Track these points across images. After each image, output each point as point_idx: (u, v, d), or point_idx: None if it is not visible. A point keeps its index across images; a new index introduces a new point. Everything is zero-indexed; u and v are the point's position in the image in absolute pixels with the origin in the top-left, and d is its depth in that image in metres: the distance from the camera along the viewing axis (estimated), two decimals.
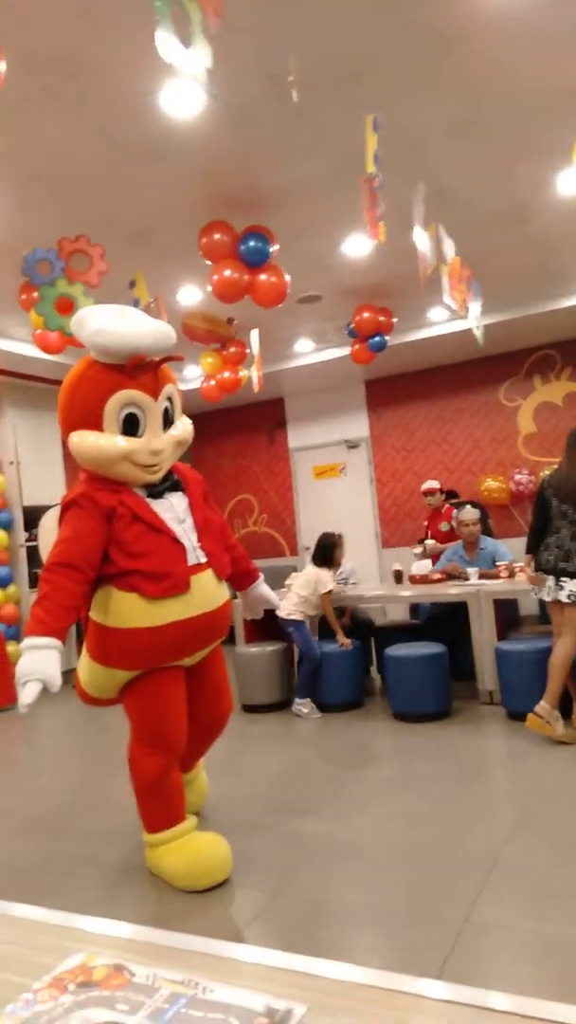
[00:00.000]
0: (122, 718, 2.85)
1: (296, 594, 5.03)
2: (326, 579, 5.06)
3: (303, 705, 4.94)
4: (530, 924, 2.23)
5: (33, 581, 6.92)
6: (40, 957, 0.81)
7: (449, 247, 3.87)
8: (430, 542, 6.25)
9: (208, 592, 2.71)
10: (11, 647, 6.51)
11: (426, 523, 6.67)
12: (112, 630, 2.62)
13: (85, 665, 2.81)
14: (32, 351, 6.31)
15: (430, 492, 6.58)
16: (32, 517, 7.08)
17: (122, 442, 2.60)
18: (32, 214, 4.08)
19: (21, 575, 6.90)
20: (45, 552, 3.20)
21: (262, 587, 3.37)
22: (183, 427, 2.82)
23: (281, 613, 4.99)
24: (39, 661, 2.28)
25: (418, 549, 6.29)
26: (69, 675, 2.62)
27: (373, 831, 3.03)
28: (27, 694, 2.22)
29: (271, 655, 5.14)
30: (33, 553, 6.91)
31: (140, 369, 2.58)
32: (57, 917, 0.90)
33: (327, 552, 5.21)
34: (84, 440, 2.62)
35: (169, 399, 2.73)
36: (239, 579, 3.27)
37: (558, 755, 3.72)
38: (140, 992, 0.71)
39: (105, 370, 2.59)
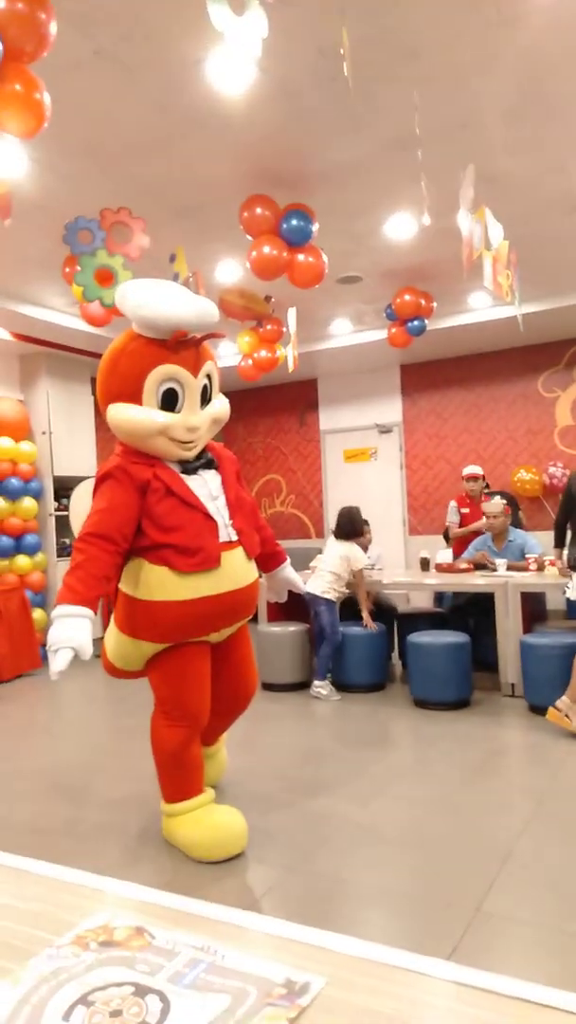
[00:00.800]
0: (145, 688, 2.88)
1: (329, 572, 5.01)
2: (359, 554, 5.03)
3: (322, 687, 4.95)
4: (541, 918, 2.23)
5: (61, 550, 7.01)
6: (63, 915, 0.82)
7: (497, 232, 3.79)
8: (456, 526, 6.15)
9: (237, 569, 2.72)
10: (37, 614, 6.63)
11: (458, 509, 6.36)
12: (141, 602, 2.64)
13: (112, 636, 2.84)
14: (70, 321, 6.35)
15: (472, 478, 6.33)
16: (63, 487, 7.17)
17: (160, 417, 2.61)
18: (76, 183, 4.08)
19: (50, 544, 6.99)
20: (77, 524, 3.25)
21: (288, 570, 3.38)
22: (220, 405, 2.82)
23: (315, 590, 4.97)
24: (71, 629, 2.32)
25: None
26: (96, 644, 2.65)
27: (389, 814, 3.04)
28: (59, 661, 2.26)
29: (293, 635, 5.16)
30: (62, 522, 7.00)
31: (182, 345, 2.59)
32: (80, 877, 0.92)
33: (350, 524, 5.14)
34: (122, 412, 2.62)
35: (208, 376, 2.73)
36: (266, 560, 3.27)
37: None
38: (160, 955, 0.72)
39: (147, 344, 2.59)
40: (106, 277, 4.05)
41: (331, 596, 4.96)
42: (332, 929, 0.78)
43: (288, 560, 3.39)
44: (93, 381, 7.67)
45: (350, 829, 2.92)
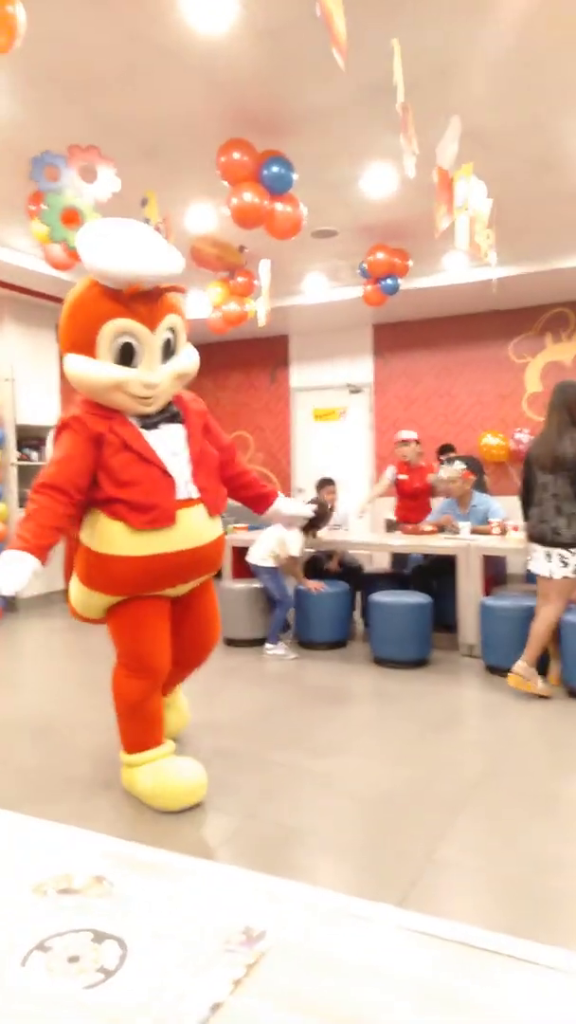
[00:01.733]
0: (109, 641, 2.87)
1: (268, 541, 5.00)
2: (294, 544, 4.91)
3: (275, 649, 4.98)
4: (488, 865, 2.31)
5: (23, 500, 6.89)
6: (21, 863, 0.82)
7: (479, 190, 3.72)
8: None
9: (196, 527, 2.68)
10: None
11: (396, 475, 6.21)
12: (98, 555, 2.63)
13: (74, 584, 2.84)
14: (34, 264, 6.14)
15: (405, 442, 6.11)
16: (25, 436, 7.01)
17: (115, 372, 2.54)
18: (43, 116, 3.89)
19: (11, 493, 6.86)
20: None
21: (283, 505, 3.29)
22: (186, 360, 2.73)
23: (253, 558, 5.00)
24: (11, 573, 2.33)
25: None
26: (62, 594, 2.64)
27: (345, 767, 3.11)
28: None
29: (256, 592, 5.18)
30: (24, 472, 6.87)
31: (138, 298, 2.49)
32: (39, 825, 0.91)
33: (313, 522, 4.93)
34: (78, 365, 2.57)
35: (171, 330, 2.64)
36: (256, 503, 3.23)
37: (532, 709, 3.80)
38: (119, 902, 0.72)
39: (104, 294, 2.50)
40: (72, 218, 3.90)
41: (269, 563, 4.97)
42: (288, 877, 0.79)
43: (280, 495, 3.30)
44: (58, 328, 7.46)
45: (307, 781, 2.97)
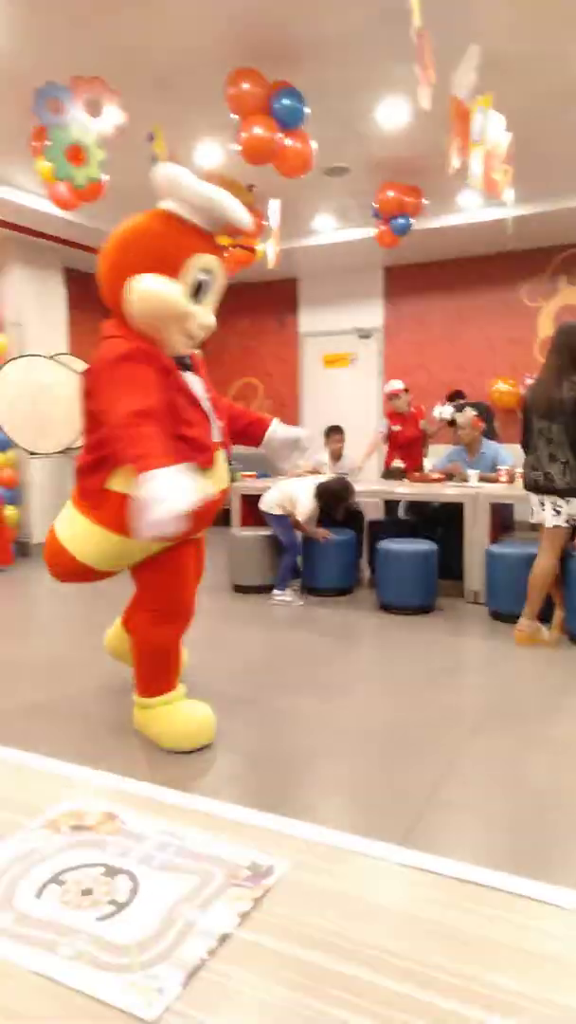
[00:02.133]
0: (118, 586, 2.90)
1: (280, 492, 5.01)
2: (305, 508, 4.88)
3: (283, 595, 5.04)
4: (488, 804, 2.38)
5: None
6: (34, 800, 0.84)
7: (498, 123, 3.57)
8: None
9: (223, 470, 2.76)
10: (8, 511, 6.58)
11: (389, 426, 6.21)
12: None
13: (93, 536, 2.66)
14: (41, 204, 5.98)
15: (394, 395, 6.10)
16: None
17: (189, 303, 2.48)
18: (45, 45, 3.74)
19: None
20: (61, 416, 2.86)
21: (279, 430, 3.13)
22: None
23: (263, 505, 5.02)
24: (181, 488, 2.09)
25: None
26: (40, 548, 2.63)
27: (350, 710, 3.17)
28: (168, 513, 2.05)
29: (264, 540, 5.21)
30: None
31: (226, 240, 2.53)
32: (51, 764, 0.94)
33: (331, 499, 4.90)
34: (157, 285, 2.41)
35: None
36: (252, 430, 3.11)
37: (535, 655, 3.85)
38: (130, 838, 0.74)
39: (191, 228, 2.49)
40: (77, 155, 3.78)
41: (277, 511, 4.98)
42: (292, 816, 0.81)
43: (275, 419, 3.19)
44: (66, 271, 7.33)
45: (312, 723, 3.04)
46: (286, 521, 5.03)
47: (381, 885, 0.70)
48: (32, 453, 2.23)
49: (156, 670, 2.79)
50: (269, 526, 5.19)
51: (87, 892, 0.66)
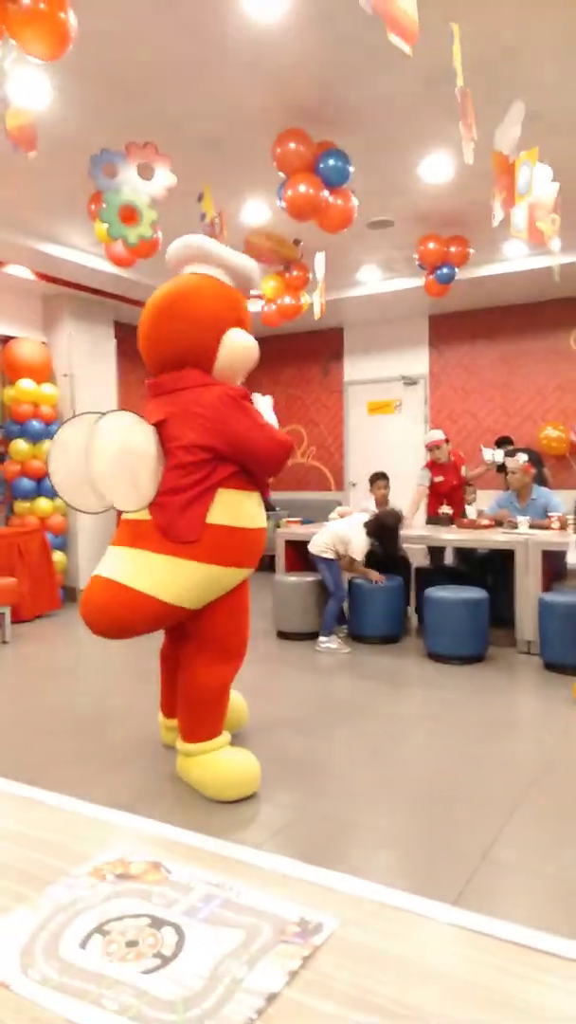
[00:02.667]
0: (159, 635, 2.90)
1: (331, 534, 5.00)
2: (359, 546, 4.91)
3: (329, 642, 4.97)
4: (545, 867, 2.26)
5: None
6: (79, 846, 0.83)
7: (544, 174, 3.61)
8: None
9: None
10: (57, 556, 6.71)
11: (432, 477, 6.11)
12: (241, 531, 2.74)
13: (184, 572, 2.62)
14: (94, 262, 6.25)
15: (436, 445, 6.02)
16: None
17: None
18: (101, 114, 3.95)
19: None
20: (107, 465, 2.71)
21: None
22: None
23: (313, 548, 5.00)
24: None
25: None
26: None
27: (399, 762, 3.09)
28: None
29: (309, 586, 5.19)
30: None
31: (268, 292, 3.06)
32: (96, 811, 0.93)
33: (385, 533, 4.93)
34: (249, 338, 2.83)
35: None
36: None
37: None
38: (176, 889, 0.73)
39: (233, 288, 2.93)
40: (130, 215, 3.95)
41: (328, 555, 4.96)
42: (340, 870, 0.79)
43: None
44: (116, 324, 7.60)
45: (360, 774, 2.96)
46: (335, 565, 5.00)
47: (435, 947, 0.67)
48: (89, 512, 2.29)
49: (205, 714, 2.77)
50: (314, 571, 5.17)
51: (132, 944, 0.64)
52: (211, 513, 2.65)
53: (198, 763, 2.75)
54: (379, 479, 6.03)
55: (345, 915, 0.70)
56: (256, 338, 2.92)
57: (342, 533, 4.97)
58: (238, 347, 2.76)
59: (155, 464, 2.60)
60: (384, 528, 4.93)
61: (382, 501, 6.03)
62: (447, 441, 6.09)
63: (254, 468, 2.77)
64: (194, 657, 2.78)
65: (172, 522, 2.60)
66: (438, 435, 6.08)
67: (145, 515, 2.64)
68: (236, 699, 3.36)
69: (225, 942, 0.64)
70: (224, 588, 2.75)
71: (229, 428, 2.64)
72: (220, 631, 2.77)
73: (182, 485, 2.61)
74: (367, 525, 4.96)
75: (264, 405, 3.02)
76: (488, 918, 0.70)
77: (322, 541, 4.99)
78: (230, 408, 2.67)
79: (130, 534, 2.68)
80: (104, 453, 2.51)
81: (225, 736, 2.84)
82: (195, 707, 2.77)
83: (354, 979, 0.60)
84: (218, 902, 0.70)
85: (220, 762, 2.73)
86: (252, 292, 3.04)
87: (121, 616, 2.58)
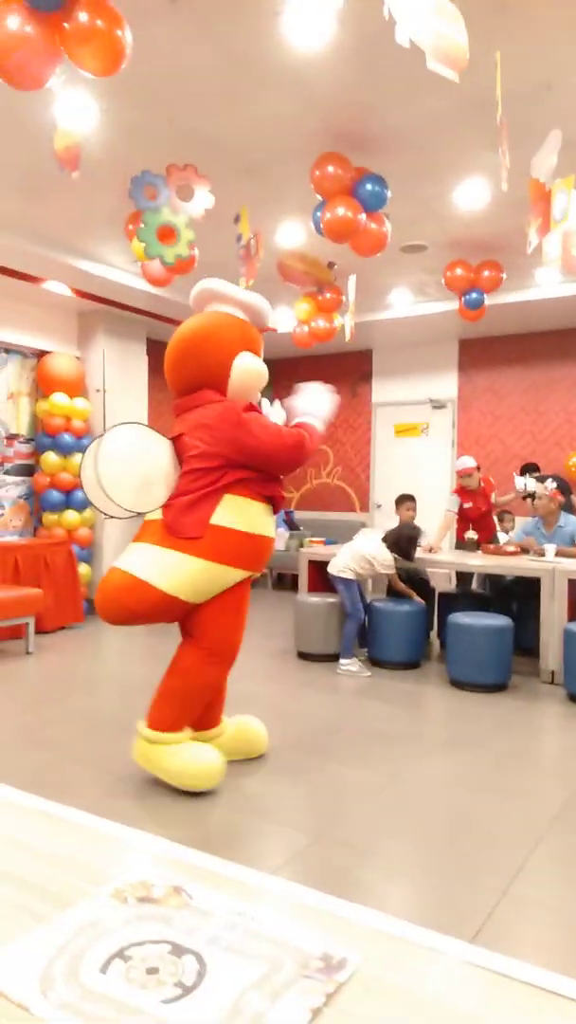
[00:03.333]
0: (161, 642, 2.91)
1: (351, 556, 4.99)
2: (386, 560, 4.97)
3: (349, 664, 4.93)
4: (565, 904, 2.20)
5: None
6: (100, 866, 0.83)
7: None
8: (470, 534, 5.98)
9: (274, 524, 3.14)
10: (83, 569, 6.75)
11: (461, 503, 6.04)
12: (241, 534, 2.91)
13: (185, 566, 2.85)
14: (130, 280, 6.35)
15: (467, 473, 5.94)
16: None
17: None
18: (143, 136, 4.03)
19: None
20: (120, 482, 3.03)
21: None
22: None
23: (332, 569, 4.99)
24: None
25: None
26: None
27: (420, 789, 3.04)
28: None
29: (331, 607, 5.16)
30: None
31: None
32: (116, 829, 0.92)
33: (406, 544, 5.07)
34: (257, 360, 3.07)
35: None
36: None
37: None
38: (197, 916, 0.72)
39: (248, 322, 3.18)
40: (168, 234, 4.01)
41: (348, 575, 4.94)
42: (358, 899, 0.77)
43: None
44: (149, 341, 7.69)
45: (379, 801, 2.92)
46: (354, 586, 4.98)
47: (458, 988, 0.65)
48: (129, 513, 2.48)
49: (176, 705, 2.94)
50: (335, 592, 5.15)
51: (153, 971, 0.63)
52: (216, 514, 2.89)
53: (159, 752, 2.92)
54: (406, 500, 6.00)
55: (367, 951, 0.68)
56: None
57: (364, 551, 4.99)
58: (247, 369, 3.02)
59: (167, 471, 2.95)
60: (401, 537, 5.08)
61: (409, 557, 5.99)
62: (478, 468, 6.04)
63: (269, 468, 2.98)
64: (185, 651, 2.99)
65: (177, 519, 2.88)
66: (469, 462, 6.02)
67: (159, 515, 2.95)
68: (252, 727, 3.36)
69: (247, 973, 0.63)
70: (220, 586, 2.94)
71: (236, 436, 2.89)
72: (211, 628, 2.95)
73: (190, 488, 2.90)
74: (386, 539, 5.07)
75: (274, 411, 3.30)
76: (513, 960, 0.68)
77: (341, 562, 4.98)
78: (234, 417, 2.91)
79: (145, 531, 2.99)
80: (118, 457, 2.88)
81: (186, 733, 2.96)
82: (170, 695, 2.94)
83: (377, 1020, 0.59)
84: (240, 931, 0.69)
85: (181, 752, 2.90)
86: (267, 325, 3.23)
87: (124, 601, 2.86)
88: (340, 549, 5.15)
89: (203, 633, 2.95)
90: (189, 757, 2.89)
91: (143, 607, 2.86)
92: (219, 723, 3.25)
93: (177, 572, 2.86)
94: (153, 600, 2.85)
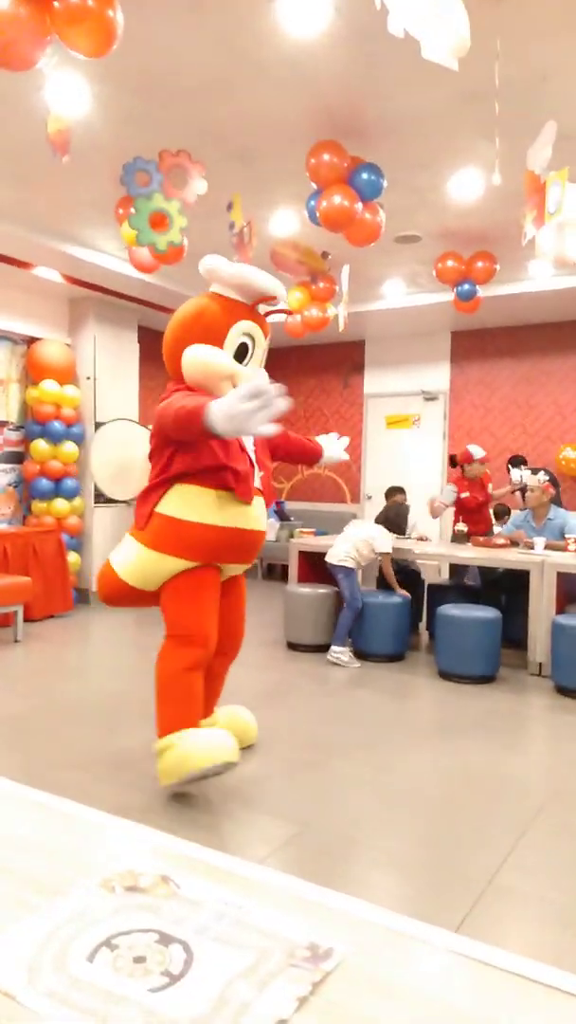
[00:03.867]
0: (150, 631, 2.91)
1: (350, 543, 5.01)
2: (385, 539, 5.06)
3: (341, 653, 4.95)
4: (553, 895, 2.23)
5: (99, 496, 7.07)
6: (87, 855, 0.83)
7: (574, 194, 3.60)
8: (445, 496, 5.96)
9: (259, 514, 2.98)
10: (72, 557, 6.73)
11: (458, 493, 6.01)
12: (185, 523, 2.83)
13: (133, 555, 2.93)
14: (121, 266, 6.30)
15: (485, 460, 5.91)
16: None
17: (233, 364, 2.85)
18: (135, 123, 3.99)
19: (88, 489, 7.06)
20: (104, 471, 3.38)
21: (329, 452, 3.72)
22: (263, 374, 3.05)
23: (332, 559, 5.00)
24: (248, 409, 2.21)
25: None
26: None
27: (406, 781, 3.06)
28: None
29: (321, 597, 5.17)
30: None
31: (260, 310, 2.94)
32: (104, 819, 0.92)
33: (396, 519, 5.34)
34: (203, 352, 2.81)
35: (266, 341, 3.02)
36: (309, 454, 3.63)
37: None
38: (185, 905, 0.72)
39: (233, 302, 2.91)
40: (160, 221, 3.97)
41: (348, 564, 4.97)
42: (344, 889, 0.78)
43: (322, 444, 3.71)
44: (141, 328, 7.64)
45: (367, 792, 2.94)
46: (354, 575, 5.01)
47: (444, 977, 0.65)
48: (115, 500, 2.62)
49: (172, 702, 2.81)
50: (327, 583, 5.16)
51: (140, 960, 0.63)
52: (161, 503, 2.88)
53: (171, 753, 2.72)
54: (396, 492, 6.02)
55: (354, 940, 0.69)
56: (278, 349, 2.99)
57: (363, 535, 5.07)
58: (190, 362, 2.83)
59: (143, 461, 2.99)
60: (390, 513, 5.47)
61: (402, 531, 6.01)
62: (485, 460, 6.06)
63: (169, 437, 2.75)
64: (163, 645, 2.94)
65: (136, 509, 2.97)
66: (481, 451, 6.01)
67: None
68: (242, 717, 3.36)
69: (234, 963, 0.63)
70: (163, 575, 2.91)
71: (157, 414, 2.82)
72: (169, 613, 2.92)
73: (150, 479, 2.94)
74: (377, 520, 5.33)
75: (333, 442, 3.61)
76: (491, 947, 0.69)
77: (341, 551, 5.00)
78: (172, 401, 2.71)
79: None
80: (98, 445, 3.00)
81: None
82: (159, 695, 2.86)
83: (364, 1010, 0.59)
84: (228, 921, 0.69)
85: (188, 736, 2.72)
86: (273, 297, 2.95)
87: (100, 586, 3.05)
88: (335, 540, 5.16)
89: (165, 619, 2.95)
90: (199, 737, 2.75)
91: (113, 593, 3.02)
92: (211, 713, 3.25)
93: (128, 560, 2.95)
94: (116, 587, 2.99)
